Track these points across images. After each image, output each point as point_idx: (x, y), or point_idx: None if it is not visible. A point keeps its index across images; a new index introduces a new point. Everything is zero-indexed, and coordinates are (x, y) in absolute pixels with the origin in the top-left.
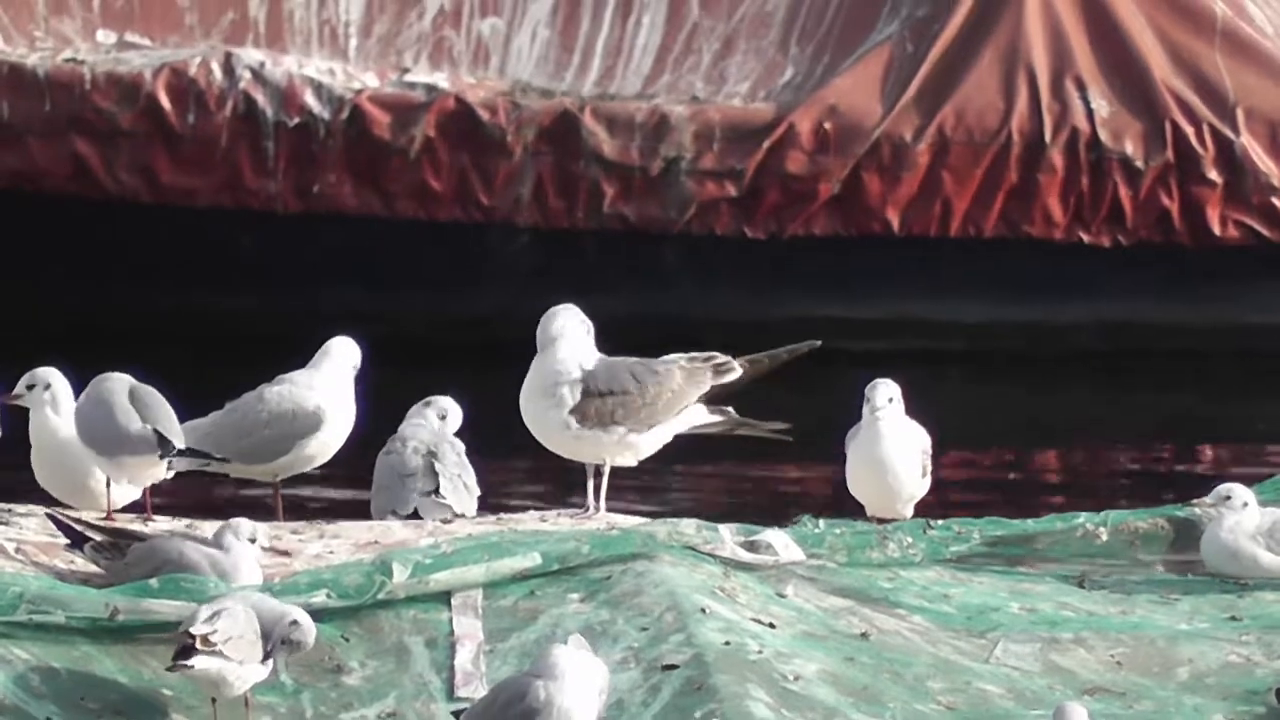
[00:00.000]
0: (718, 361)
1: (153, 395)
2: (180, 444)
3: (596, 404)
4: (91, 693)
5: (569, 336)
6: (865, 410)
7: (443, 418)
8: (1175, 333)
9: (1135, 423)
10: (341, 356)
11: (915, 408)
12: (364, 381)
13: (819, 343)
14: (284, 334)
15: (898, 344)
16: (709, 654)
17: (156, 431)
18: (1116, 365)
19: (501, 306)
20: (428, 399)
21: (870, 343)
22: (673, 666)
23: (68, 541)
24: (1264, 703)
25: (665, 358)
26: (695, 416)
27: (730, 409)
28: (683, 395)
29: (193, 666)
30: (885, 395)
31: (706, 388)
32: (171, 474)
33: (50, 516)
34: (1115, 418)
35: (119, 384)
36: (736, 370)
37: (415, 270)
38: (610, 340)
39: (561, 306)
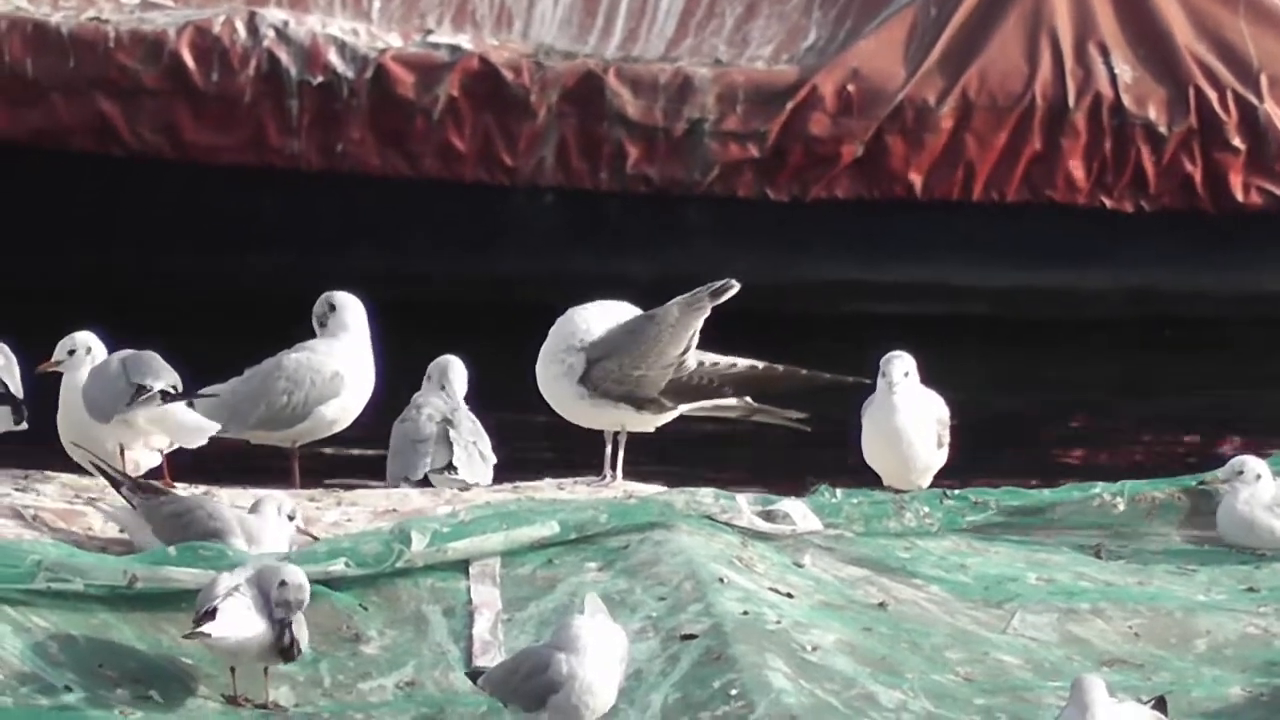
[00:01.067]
0: (715, 286)
1: (144, 354)
2: (158, 386)
3: (601, 369)
4: (110, 660)
5: (584, 309)
6: (880, 382)
7: (443, 386)
8: (1197, 299)
9: (1157, 389)
10: (357, 319)
11: (936, 372)
12: (385, 343)
13: (867, 381)
14: (306, 293)
15: (919, 308)
16: (727, 624)
17: (132, 383)
18: (1138, 331)
19: (524, 268)
20: (429, 366)
21: (892, 306)
22: (691, 636)
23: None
24: None
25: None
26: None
27: (748, 397)
28: (684, 324)
29: (209, 635)
30: (901, 369)
31: (707, 310)
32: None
33: (90, 462)
34: (1137, 384)
35: (114, 355)
36: (734, 288)
37: (438, 231)
38: (633, 302)
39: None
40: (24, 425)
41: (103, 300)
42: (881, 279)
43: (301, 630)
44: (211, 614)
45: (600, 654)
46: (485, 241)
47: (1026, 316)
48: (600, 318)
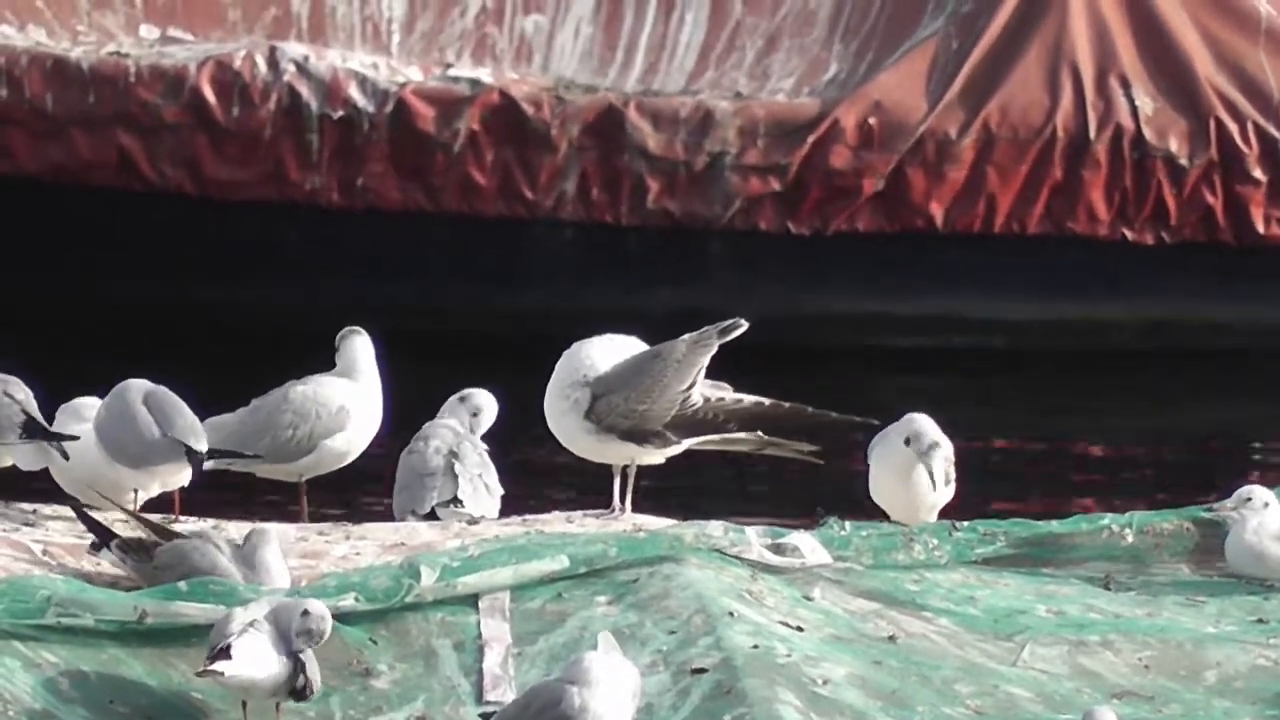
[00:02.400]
0: (723, 325)
1: (169, 399)
2: (202, 447)
3: (605, 404)
4: (120, 696)
5: (590, 343)
6: (904, 445)
7: (475, 414)
8: (1218, 331)
9: (1177, 422)
10: (365, 353)
11: (956, 404)
12: (404, 376)
13: (876, 421)
14: (326, 328)
15: (940, 341)
16: (737, 657)
17: (176, 440)
18: (1159, 364)
19: (545, 302)
20: (463, 392)
21: (913, 339)
22: (701, 670)
23: (92, 540)
24: None
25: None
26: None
27: (759, 431)
28: (690, 361)
29: (222, 674)
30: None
31: (714, 348)
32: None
33: (76, 509)
34: (1157, 417)
35: (135, 393)
36: (742, 326)
37: (458, 264)
38: (653, 337)
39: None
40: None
41: (122, 334)
42: (903, 312)
43: (314, 669)
44: (226, 651)
45: (612, 688)
46: (505, 275)
47: (1047, 349)
48: (606, 352)
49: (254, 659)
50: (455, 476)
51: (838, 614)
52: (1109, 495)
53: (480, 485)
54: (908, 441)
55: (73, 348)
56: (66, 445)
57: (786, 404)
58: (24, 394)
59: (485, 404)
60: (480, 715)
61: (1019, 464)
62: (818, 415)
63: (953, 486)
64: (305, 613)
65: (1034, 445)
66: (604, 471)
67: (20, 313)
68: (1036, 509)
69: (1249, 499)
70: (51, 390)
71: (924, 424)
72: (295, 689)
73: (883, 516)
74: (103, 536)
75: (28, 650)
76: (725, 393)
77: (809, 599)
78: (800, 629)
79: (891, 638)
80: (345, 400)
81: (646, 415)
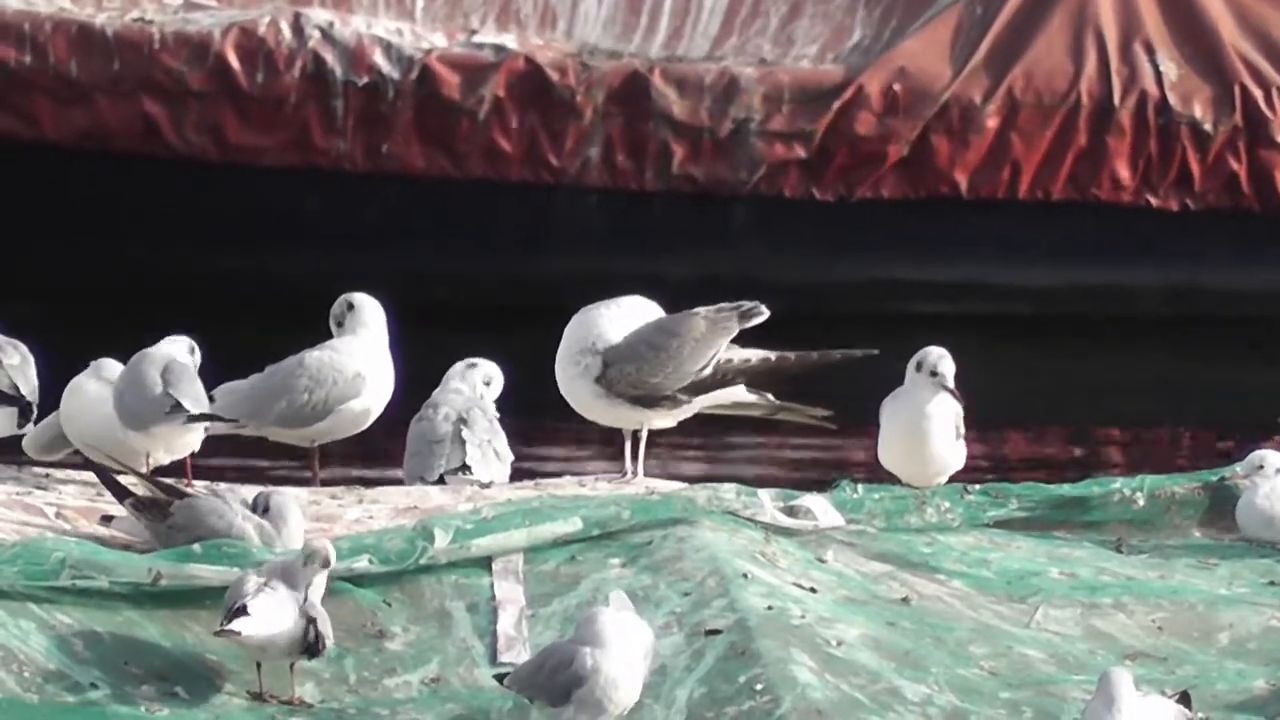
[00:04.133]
0: (744, 308)
1: (182, 368)
2: (194, 409)
3: (617, 371)
4: (135, 657)
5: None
6: (922, 377)
7: (487, 384)
8: (1242, 297)
9: (1201, 388)
10: (376, 320)
11: (981, 371)
12: (427, 342)
13: (876, 351)
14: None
15: (964, 307)
16: (751, 619)
17: (170, 395)
18: (1183, 330)
19: (570, 268)
20: (471, 360)
21: (937, 305)
22: (716, 631)
23: (103, 515)
24: None
25: (686, 312)
26: (736, 395)
27: (769, 395)
28: (708, 342)
29: (240, 633)
30: (951, 368)
31: (734, 332)
32: (200, 439)
33: (92, 467)
34: (1181, 383)
35: (151, 361)
36: (763, 314)
37: (484, 231)
38: (678, 303)
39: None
40: (30, 428)
41: (147, 300)
42: (927, 278)
43: (325, 626)
44: (243, 610)
45: (625, 648)
46: (531, 241)
47: (1071, 315)
48: (617, 320)
49: (270, 618)
50: (464, 443)
51: (851, 576)
52: (1130, 461)
53: (490, 451)
54: (919, 368)
55: (98, 315)
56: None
57: (792, 355)
58: (19, 358)
59: (495, 374)
60: (495, 676)
61: (1041, 431)
62: (823, 356)
63: (963, 445)
64: (313, 552)
65: (1056, 411)
66: (617, 436)
67: (45, 280)
68: (1058, 475)
69: (1261, 465)
70: (76, 358)
71: (933, 349)
72: (308, 645)
73: (894, 482)
74: (119, 495)
75: (42, 612)
76: (734, 352)
77: (822, 561)
78: (814, 590)
79: (905, 599)
80: (361, 366)
81: (659, 386)
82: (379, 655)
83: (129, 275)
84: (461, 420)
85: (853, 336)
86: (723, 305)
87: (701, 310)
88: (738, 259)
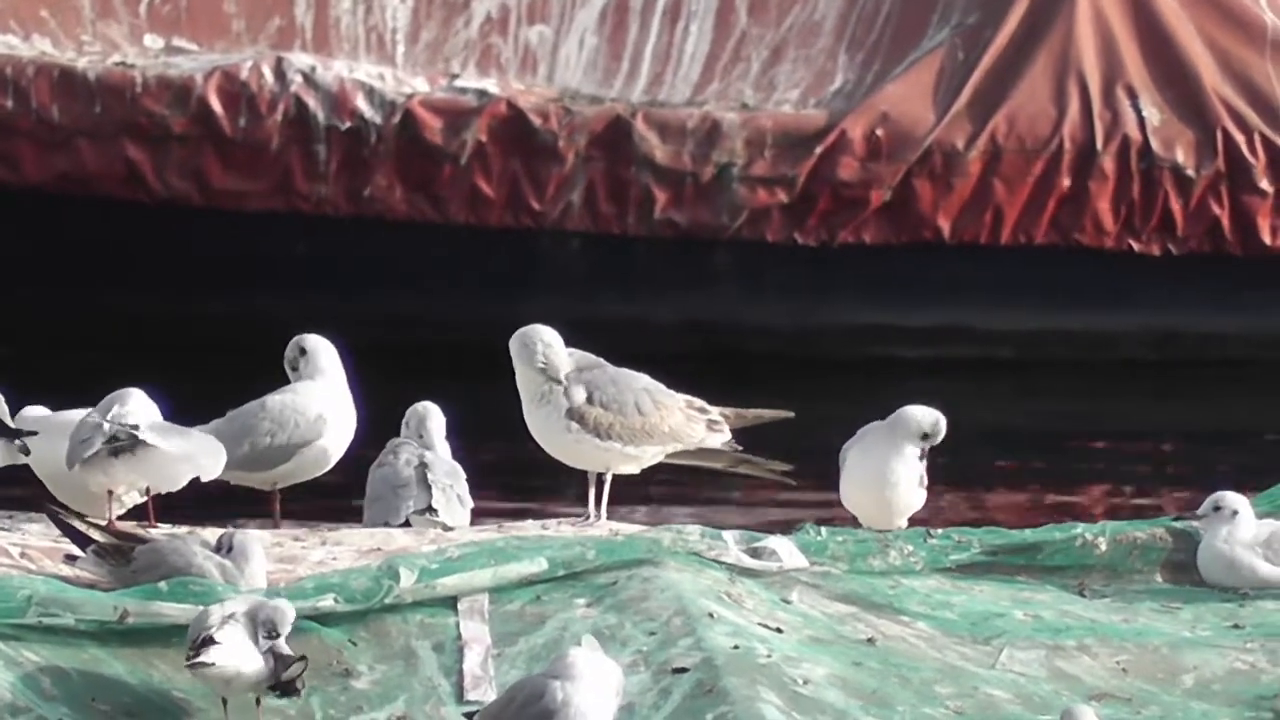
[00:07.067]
0: (711, 419)
1: (115, 394)
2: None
3: (596, 414)
4: (102, 694)
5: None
6: (909, 434)
7: (420, 433)
8: (1225, 342)
9: (1183, 432)
10: (331, 362)
11: (964, 415)
12: (409, 387)
13: (791, 414)
14: (333, 339)
15: (947, 352)
16: (718, 657)
17: (108, 421)
18: (1165, 374)
19: (552, 312)
20: (405, 415)
21: (920, 350)
22: (683, 670)
23: (66, 554)
24: (1271, 709)
25: (670, 392)
26: (700, 441)
27: (733, 443)
28: (675, 437)
29: (213, 663)
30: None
31: (696, 440)
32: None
33: (52, 517)
34: (1164, 427)
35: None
36: (725, 434)
37: (465, 275)
38: (661, 347)
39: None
40: (29, 455)
41: (129, 346)
42: (909, 323)
43: (298, 666)
44: (209, 641)
45: (595, 684)
46: (512, 286)
47: (1054, 359)
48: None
49: (238, 649)
50: (429, 486)
51: (816, 616)
52: (1113, 504)
53: (452, 496)
54: (924, 437)
55: (78, 361)
56: (32, 445)
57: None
58: None
59: (423, 413)
60: (464, 715)
61: (1023, 474)
62: (744, 459)
63: (924, 491)
64: (268, 606)
65: (1039, 455)
66: (580, 478)
67: (24, 324)
68: (1039, 518)
69: (1218, 507)
70: (56, 404)
71: (941, 420)
72: (280, 682)
73: (854, 524)
74: (80, 542)
75: (8, 649)
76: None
77: (787, 602)
78: (780, 630)
79: (870, 640)
80: (322, 408)
81: (632, 443)
82: (345, 694)
83: (110, 319)
84: (423, 465)
85: (835, 381)
86: (694, 401)
87: (683, 400)
88: (720, 303)
